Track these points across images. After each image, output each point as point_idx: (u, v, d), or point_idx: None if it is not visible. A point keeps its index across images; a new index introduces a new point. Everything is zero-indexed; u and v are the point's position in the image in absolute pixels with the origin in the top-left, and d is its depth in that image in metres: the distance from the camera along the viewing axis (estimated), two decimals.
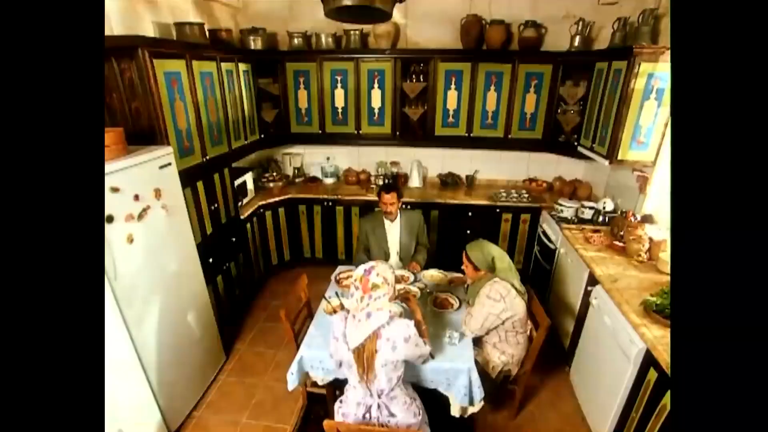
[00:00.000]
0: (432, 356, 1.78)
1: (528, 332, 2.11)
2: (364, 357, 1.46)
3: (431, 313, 2.13)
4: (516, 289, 1.95)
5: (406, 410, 1.57)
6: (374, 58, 3.40)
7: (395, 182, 3.33)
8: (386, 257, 2.75)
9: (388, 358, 1.46)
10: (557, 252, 3.00)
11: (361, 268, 1.50)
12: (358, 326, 1.46)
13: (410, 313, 1.86)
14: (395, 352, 1.47)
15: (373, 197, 3.60)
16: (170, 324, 2.15)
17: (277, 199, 3.63)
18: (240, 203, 3.24)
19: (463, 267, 2.09)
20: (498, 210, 3.55)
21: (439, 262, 2.72)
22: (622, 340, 1.87)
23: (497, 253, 1.99)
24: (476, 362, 1.86)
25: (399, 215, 2.71)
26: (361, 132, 3.65)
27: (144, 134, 2.12)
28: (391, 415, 1.56)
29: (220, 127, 2.81)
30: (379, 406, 1.55)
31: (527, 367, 2.11)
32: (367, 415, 1.57)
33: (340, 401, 1.68)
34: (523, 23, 3.30)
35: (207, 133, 2.61)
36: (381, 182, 3.89)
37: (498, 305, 1.90)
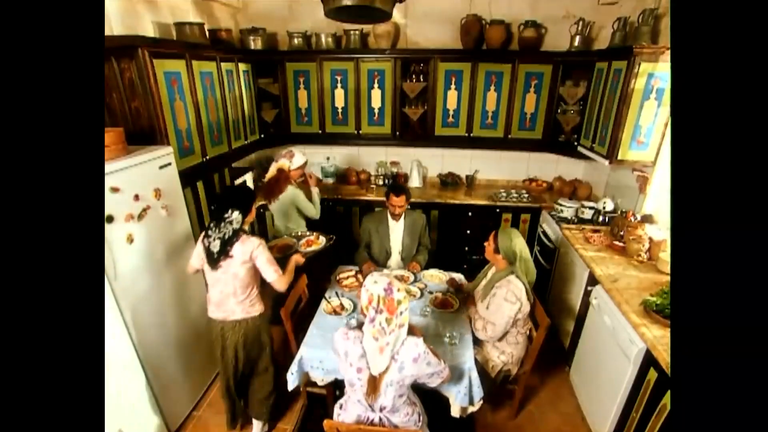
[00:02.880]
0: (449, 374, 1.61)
1: (527, 332, 2.11)
2: (377, 378, 1.43)
3: (431, 313, 2.13)
4: (527, 289, 1.97)
5: (407, 421, 1.56)
6: (374, 58, 3.40)
7: (398, 183, 3.25)
8: (387, 256, 2.74)
9: (394, 378, 1.42)
10: (557, 252, 3.00)
11: (379, 288, 1.37)
12: (385, 350, 1.39)
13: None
14: (402, 372, 1.42)
15: (373, 197, 3.61)
16: (170, 324, 2.15)
17: None
18: None
19: (485, 244, 2.10)
20: (498, 210, 3.54)
21: (439, 262, 2.72)
22: (622, 340, 1.87)
23: (521, 247, 2.00)
24: (476, 361, 1.86)
25: (403, 216, 2.70)
26: (361, 132, 3.65)
27: (144, 134, 2.12)
28: (394, 426, 1.54)
29: (220, 127, 2.81)
30: (380, 419, 1.53)
31: (527, 366, 2.11)
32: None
33: (340, 405, 1.66)
34: (523, 23, 3.30)
35: (207, 133, 2.61)
36: (381, 182, 3.88)
37: (514, 307, 1.92)
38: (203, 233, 1.86)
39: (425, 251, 2.77)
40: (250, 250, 1.80)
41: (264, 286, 1.96)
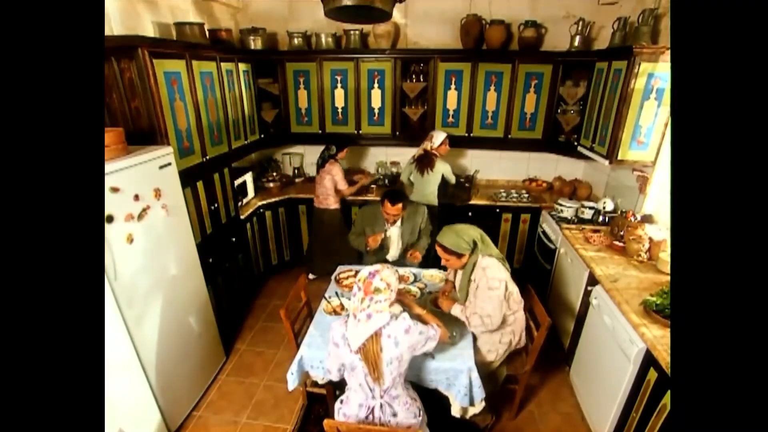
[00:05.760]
0: (452, 337, 1.74)
1: (520, 308, 2.05)
2: (371, 358, 1.47)
3: (431, 314, 2.12)
4: (504, 266, 1.90)
5: (407, 410, 1.58)
6: (374, 58, 3.40)
7: (396, 189, 2.89)
8: (385, 251, 2.71)
9: (392, 354, 1.48)
10: (557, 252, 3.00)
11: (367, 270, 1.52)
12: (358, 326, 1.47)
13: (408, 309, 1.82)
14: (398, 346, 1.48)
15: (372, 197, 3.61)
16: (170, 324, 2.15)
17: (277, 199, 3.63)
18: (240, 203, 3.24)
19: (443, 263, 1.99)
20: (498, 210, 3.55)
21: (439, 262, 2.71)
22: (622, 340, 1.87)
23: (473, 231, 1.90)
24: (479, 367, 1.83)
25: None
26: (361, 132, 3.65)
27: (144, 134, 2.12)
28: (394, 414, 1.57)
29: (220, 127, 2.81)
30: (381, 406, 1.56)
31: (527, 366, 2.11)
32: (370, 416, 1.57)
33: (341, 401, 1.67)
34: (523, 23, 3.30)
35: (207, 133, 2.61)
36: (381, 182, 3.87)
37: (500, 290, 1.86)
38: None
39: (427, 236, 2.72)
40: (334, 170, 3.27)
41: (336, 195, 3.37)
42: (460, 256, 1.89)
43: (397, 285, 1.55)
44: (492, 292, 1.85)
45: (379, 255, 2.73)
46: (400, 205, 2.46)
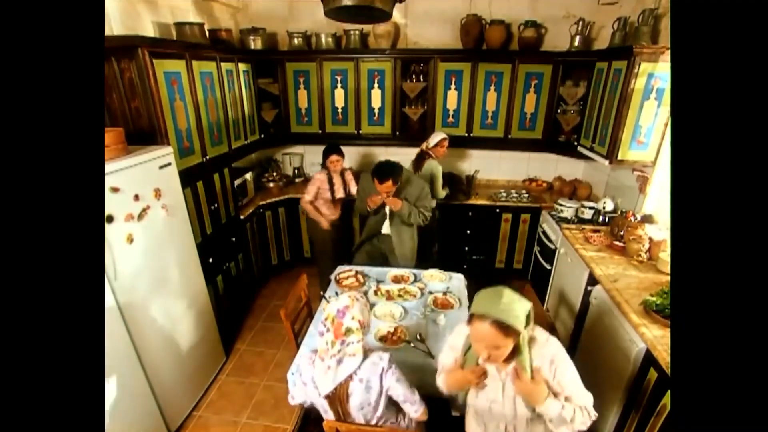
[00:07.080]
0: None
1: None
2: (337, 403, 1.37)
3: (431, 313, 2.13)
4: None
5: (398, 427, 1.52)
6: (374, 58, 3.40)
7: (384, 164, 2.45)
8: (384, 217, 2.67)
9: (363, 400, 1.36)
10: (557, 252, 3.00)
11: (334, 306, 1.35)
12: (327, 373, 1.34)
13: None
14: (370, 391, 1.35)
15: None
16: (170, 324, 2.15)
17: (276, 199, 3.63)
18: (240, 203, 3.24)
19: (484, 358, 1.22)
20: (498, 210, 3.55)
21: (440, 262, 2.72)
22: (622, 340, 1.87)
23: (518, 296, 1.22)
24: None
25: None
26: (361, 132, 3.66)
27: (144, 134, 2.12)
28: None
29: (220, 127, 2.81)
30: None
31: None
32: None
33: None
34: (523, 23, 3.30)
35: (207, 133, 2.61)
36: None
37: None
38: None
39: (423, 210, 2.59)
40: (315, 177, 3.09)
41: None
42: (518, 335, 1.21)
43: (369, 319, 1.41)
44: (569, 361, 1.31)
45: (379, 225, 2.69)
46: (389, 182, 2.34)
